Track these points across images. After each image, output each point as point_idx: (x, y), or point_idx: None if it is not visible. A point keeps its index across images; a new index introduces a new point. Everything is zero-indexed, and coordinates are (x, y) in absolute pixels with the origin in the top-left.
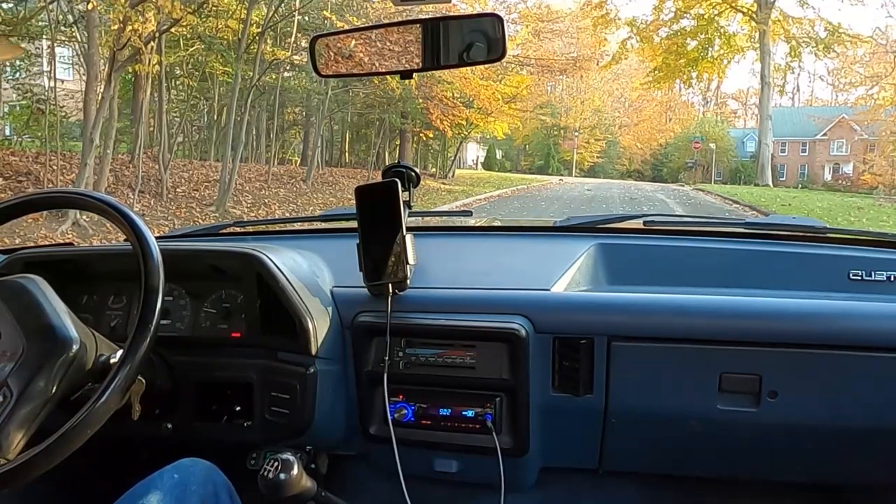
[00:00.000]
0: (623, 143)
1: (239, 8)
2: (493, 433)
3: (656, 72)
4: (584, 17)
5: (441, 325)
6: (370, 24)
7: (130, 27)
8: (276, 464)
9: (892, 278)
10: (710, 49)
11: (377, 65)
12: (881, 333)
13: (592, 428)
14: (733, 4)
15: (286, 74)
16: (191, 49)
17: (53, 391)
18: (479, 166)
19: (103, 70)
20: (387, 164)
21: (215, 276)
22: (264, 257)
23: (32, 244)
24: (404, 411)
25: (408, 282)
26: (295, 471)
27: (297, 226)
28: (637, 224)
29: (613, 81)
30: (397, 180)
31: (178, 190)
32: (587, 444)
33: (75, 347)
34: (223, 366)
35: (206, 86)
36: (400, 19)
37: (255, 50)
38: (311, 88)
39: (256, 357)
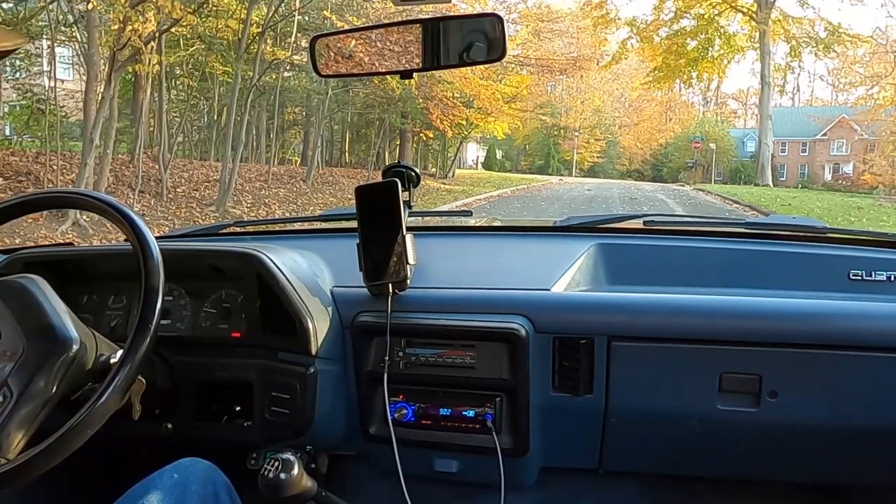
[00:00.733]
0: (623, 143)
1: (239, 8)
2: (493, 433)
3: (656, 72)
4: (584, 17)
5: (441, 325)
6: (370, 24)
7: (130, 27)
8: (276, 464)
9: (892, 278)
10: (710, 49)
11: (377, 65)
12: (881, 333)
13: (592, 428)
14: (733, 4)
15: (286, 74)
16: (191, 49)
17: (53, 391)
18: (479, 166)
19: (103, 70)
20: (387, 164)
21: (215, 276)
22: (264, 257)
23: (32, 244)
24: (404, 411)
25: (408, 282)
26: (295, 471)
27: (297, 226)
28: (637, 224)
29: (613, 81)
30: (397, 180)
31: (178, 190)
32: (587, 444)
33: (75, 347)
34: (223, 366)
35: (206, 86)
36: (400, 19)
37: (255, 50)
38: (311, 88)
39: (256, 357)
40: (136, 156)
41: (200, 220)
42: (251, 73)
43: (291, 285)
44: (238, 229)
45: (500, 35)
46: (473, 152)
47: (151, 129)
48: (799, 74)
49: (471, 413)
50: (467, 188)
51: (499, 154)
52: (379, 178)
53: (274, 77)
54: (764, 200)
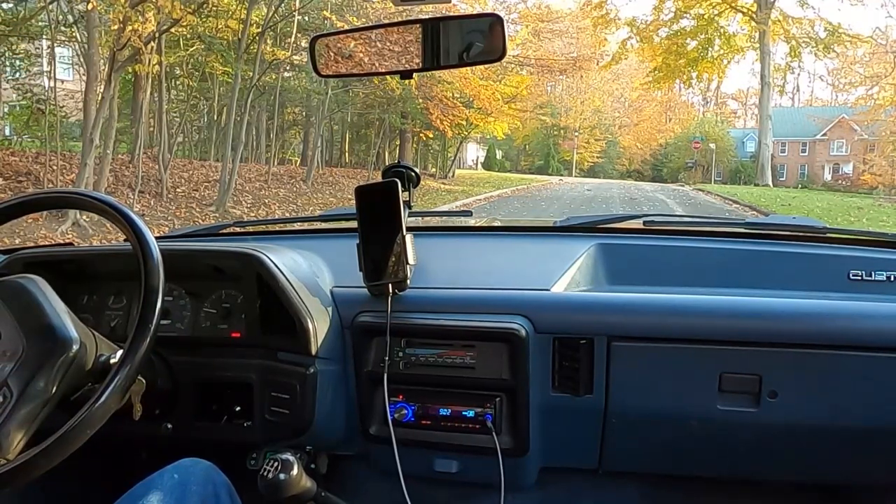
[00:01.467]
0: (623, 143)
1: (239, 8)
2: (493, 433)
3: (656, 72)
4: (584, 17)
5: (441, 325)
6: (370, 24)
7: (130, 27)
8: (276, 464)
9: (892, 278)
10: (710, 49)
11: (377, 65)
12: (881, 333)
13: (592, 428)
14: (733, 4)
15: (286, 74)
16: (191, 49)
17: (53, 391)
18: (479, 166)
19: (103, 70)
20: (387, 164)
21: (215, 276)
22: (264, 257)
23: (32, 244)
24: (404, 411)
25: (408, 282)
26: (295, 471)
27: (297, 226)
28: (637, 224)
29: (613, 81)
30: (397, 180)
31: (178, 190)
32: (587, 444)
33: (75, 347)
34: (223, 366)
35: (206, 86)
36: (400, 19)
37: (255, 50)
38: (311, 88)
39: (256, 357)
40: (136, 156)
41: (200, 221)
42: (251, 73)
43: (291, 285)
44: (238, 229)
45: (499, 35)
46: (473, 152)
47: (151, 129)
48: (799, 74)
49: (471, 413)
50: (467, 188)
51: (499, 154)
52: (379, 179)
53: (274, 77)
54: (764, 200)
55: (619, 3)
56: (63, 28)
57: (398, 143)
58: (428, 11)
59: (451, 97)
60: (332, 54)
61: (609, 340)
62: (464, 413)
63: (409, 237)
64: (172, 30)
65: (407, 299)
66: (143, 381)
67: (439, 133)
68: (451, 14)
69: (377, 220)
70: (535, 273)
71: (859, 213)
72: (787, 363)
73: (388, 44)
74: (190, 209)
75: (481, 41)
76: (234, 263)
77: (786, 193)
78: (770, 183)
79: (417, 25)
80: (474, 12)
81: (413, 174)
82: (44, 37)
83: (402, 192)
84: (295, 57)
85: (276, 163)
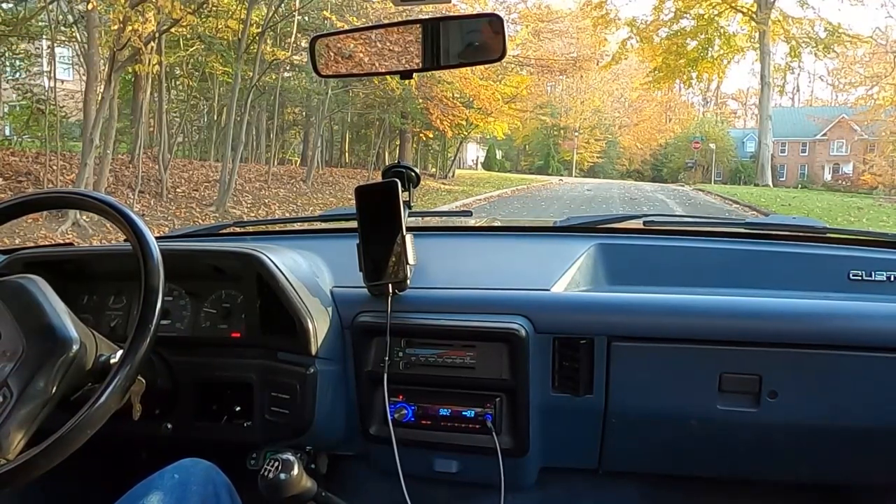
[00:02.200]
0: (623, 143)
1: (239, 8)
2: (493, 433)
3: (656, 72)
4: (584, 17)
5: (441, 326)
6: (370, 24)
7: (130, 27)
8: (276, 464)
9: (892, 278)
10: (710, 49)
11: (377, 65)
12: (881, 333)
13: (592, 428)
14: (733, 4)
15: (286, 74)
16: (191, 49)
17: (53, 391)
18: (479, 166)
19: (103, 70)
20: (387, 164)
21: (215, 276)
22: (264, 257)
23: (32, 244)
24: (404, 411)
25: (408, 282)
26: (295, 471)
27: (297, 226)
28: (637, 224)
29: (613, 81)
30: (397, 180)
31: (178, 190)
32: (587, 444)
33: (75, 347)
34: (223, 366)
35: (206, 86)
36: (400, 19)
37: (255, 50)
38: (311, 88)
39: (256, 357)
40: (136, 156)
41: (200, 221)
42: (251, 74)
43: (291, 285)
44: (238, 229)
45: (499, 35)
46: (473, 152)
47: (151, 129)
48: (799, 74)
49: (471, 413)
50: (467, 188)
51: (499, 154)
52: (379, 179)
53: (274, 77)
54: (764, 200)
55: (619, 3)
56: (63, 28)
57: (398, 143)
58: (428, 11)
59: (451, 97)
60: (332, 54)
61: (609, 340)
62: (464, 413)
63: (409, 237)
64: (172, 30)
65: (407, 299)
66: (143, 381)
67: (439, 133)
68: (451, 14)
69: (377, 220)
70: (535, 273)
71: (859, 213)
72: (787, 363)
73: (388, 44)
74: (190, 209)
75: (481, 41)
76: (234, 263)
77: (786, 193)
78: (770, 183)
79: (417, 25)
80: (474, 12)
81: (413, 174)
82: (44, 37)
83: (402, 192)
84: (295, 57)
85: (276, 163)
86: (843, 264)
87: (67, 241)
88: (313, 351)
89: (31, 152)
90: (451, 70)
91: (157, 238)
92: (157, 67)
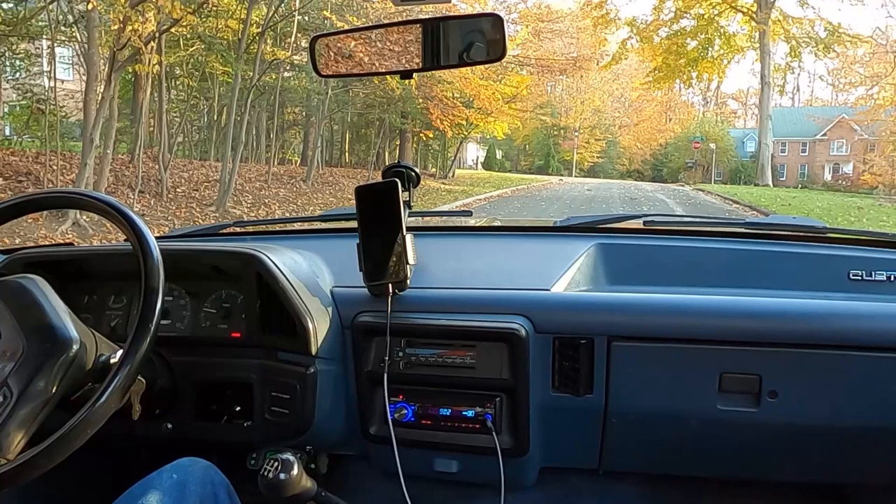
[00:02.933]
0: (623, 143)
1: (239, 8)
2: (494, 433)
3: (656, 72)
4: (584, 17)
5: (441, 325)
6: (370, 24)
7: (130, 27)
8: (276, 464)
9: (892, 278)
10: (710, 49)
11: (377, 65)
12: (881, 333)
13: (592, 428)
14: (733, 4)
15: (286, 74)
16: (191, 49)
17: (53, 391)
18: (479, 166)
19: (103, 70)
20: (387, 164)
21: (215, 276)
22: (264, 257)
23: (32, 244)
24: (404, 411)
25: (408, 282)
26: (295, 471)
27: (297, 226)
28: (637, 224)
29: (613, 81)
30: (397, 180)
31: (178, 190)
32: (587, 444)
33: (75, 347)
34: (223, 366)
35: (206, 86)
36: (400, 19)
37: (255, 50)
38: (311, 88)
39: (256, 357)
40: (136, 156)
41: (200, 220)
42: (251, 73)
43: (291, 285)
44: (238, 229)
45: (500, 35)
46: (473, 152)
47: (151, 129)
48: (799, 74)
49: (471, 413)
50: (467, 188)
51: (499, 154)
52: (379, 178)
53: (274, 77)
54: (764, 200)
55: (619, 3)
56: (63, 28)
57: (398, 143)
58: (428, 11)
59: (451, 97)
60: (332, 54)
61: (609, 340)
62: (464, 413)
63: (409, 237)
64: (172, 30)
65: (407, 299)
66: (143, 380)
67: (439, 133)
68: (451, 14)
69: (377, 220)
70: (535, 273)
71: (859, 213)
72: (787, 363)
73: (388, 44)
74: (190, 209)
75: (481, 41)
76: (235, 263)
77: (786, 193)
78: (770, 183)
79: (417, 25)
80: (474, 12)
81: (413, 174)
82: (44, 37)
83: (402, 192)
84: (295, 57)
85: (276, 163)
86: (843, 264)
87: (67, 241)
88: (313, 351)
89: (31, 152)
90: (451, 70)
91: (157, 238)
92: (157, 67)
